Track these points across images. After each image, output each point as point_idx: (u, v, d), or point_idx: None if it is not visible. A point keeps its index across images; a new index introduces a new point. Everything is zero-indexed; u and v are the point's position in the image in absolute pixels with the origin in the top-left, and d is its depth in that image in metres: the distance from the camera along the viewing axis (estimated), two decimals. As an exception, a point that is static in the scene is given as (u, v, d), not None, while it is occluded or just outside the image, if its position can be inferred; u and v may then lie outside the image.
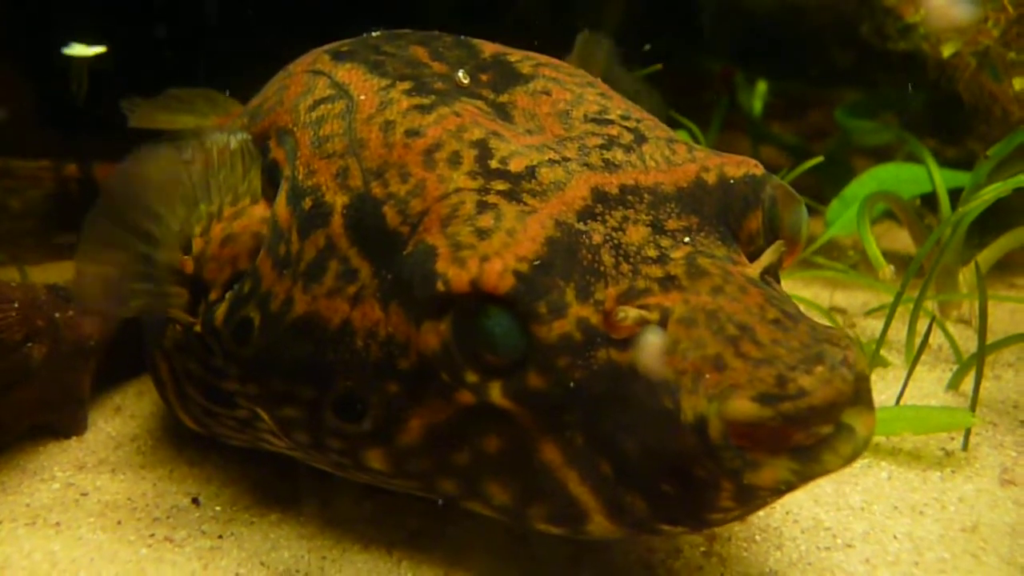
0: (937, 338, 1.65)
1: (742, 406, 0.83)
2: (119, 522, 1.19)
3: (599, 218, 0.95)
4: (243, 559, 1.13)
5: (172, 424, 1.46)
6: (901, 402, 1.44)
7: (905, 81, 2.48)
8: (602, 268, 0.92)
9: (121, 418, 1.52)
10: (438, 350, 0.93)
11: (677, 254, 0.94)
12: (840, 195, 1.94)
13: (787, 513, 1.21)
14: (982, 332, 1.35)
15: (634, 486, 0.90)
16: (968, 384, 1.48)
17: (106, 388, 1.59)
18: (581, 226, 0.94)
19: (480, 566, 1.11)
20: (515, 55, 1.22)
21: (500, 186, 0.97)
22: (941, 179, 1.85)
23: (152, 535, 1.17)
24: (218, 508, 1.25)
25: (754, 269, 0.97)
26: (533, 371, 0.91)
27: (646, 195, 0.99)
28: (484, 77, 1.15)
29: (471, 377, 0.93)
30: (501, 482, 0.97)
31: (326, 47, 1.29)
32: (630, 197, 0.98)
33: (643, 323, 0.89)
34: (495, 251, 0.90)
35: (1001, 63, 2.14)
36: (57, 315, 1.37)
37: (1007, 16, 2.15)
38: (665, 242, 0.95)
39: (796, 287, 2.02)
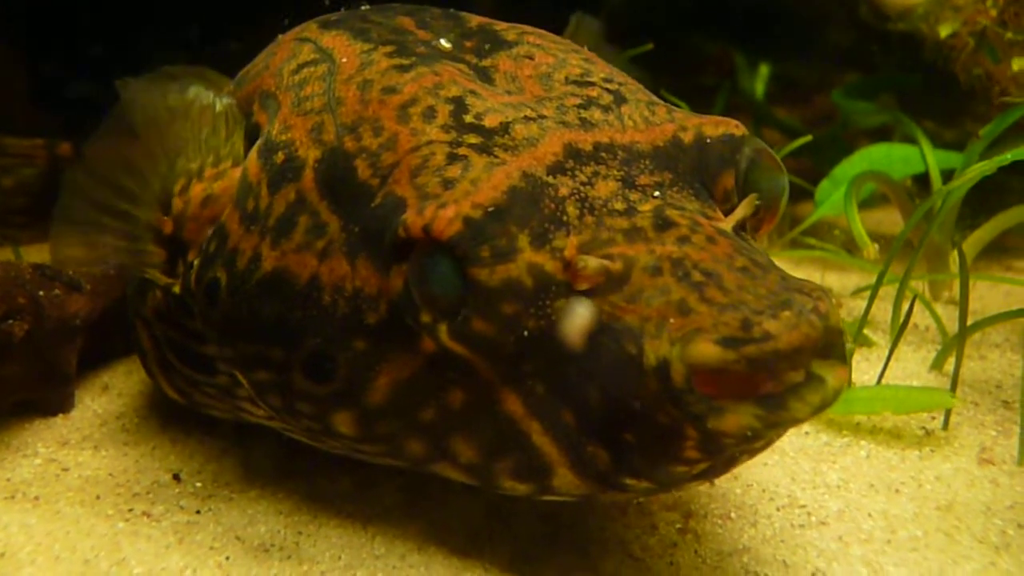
0: (925, 318, 1.65)
1: (705, 349, 0.82)
2: (98, 497, 1.20)
3: (569, 173, 0.96)
4: (219, 534, 1.14)
5: (158, 402, 1.47)
6: (883, 381, 1.43)
7: (904, 62, 2.47)
8: (565, 218, 0.92)
9: (108, 396, 1.53)
10: (401, 291, 0.94)
11: (645, 207, 0.94)
12: (830, 175, 1.93)
13: (763, 491, 1.21)
14: (963, 312, 1.34)
15: (597, 436, 0.90)
16: (951, 364, 1.47)
17: (95, 366, 1.60)
18: (549, 179, 0.95)
19: (454, 543, 1.12)
20: (502, 25, 1.22)
21: (472, 140, 0.98)
22: (934, 159, 1.84)
23: (131, 510, 1.18)
24: (199, 484, 1.26)
25: (727, 223, 0.96)
26: (475, 315, 0.91)
27: (620, 152, 0.99)
28: (468, 44, 1.16)
29: (425, 317, 0.93)
30: (466, 437, 0.97)
31: (318, 18, 1.30)
32: (603, 154, 0.99)
33: (605, 272, 0.89)
34: (454, 199, 0.91)
35: (999, 43, 2.12)
36: (42, 293, 1.38)
37: (1005, -4, 2.13)
38: (634, 196, 0.95)
39: (786, 267, 2.01)
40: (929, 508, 1.15)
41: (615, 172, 0.97)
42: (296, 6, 1.42)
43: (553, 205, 0.92)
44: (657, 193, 0.96)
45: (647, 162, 0.99)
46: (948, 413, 1.32)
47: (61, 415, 1.44)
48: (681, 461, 0.88)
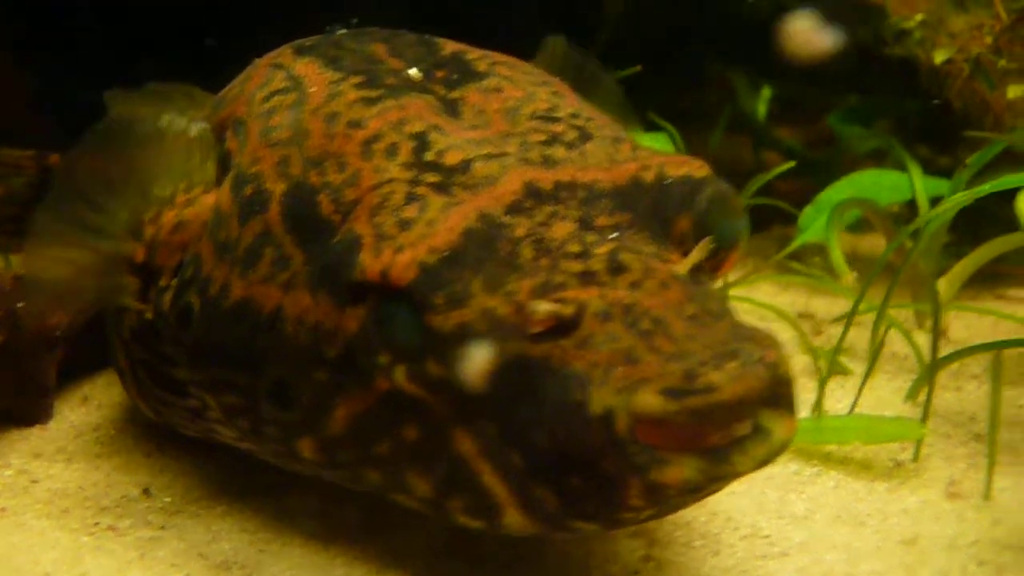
0: (906, 347, 1.64)
1: (648, 399, 0.83)
2: (65, 510, 1.22)
3: (527, 213, 0.96)
4: (181, 550, 1.14)
5: (135, 415, 1.48)
6: (858, 410, 1.43)
7: (901, 87, 2.46)
8: (519, 261, 0.93)
9: (87, 408, 1.54)
10: (357, 333, 0.95)
11: (600, 250, 0.94)
12: (815, 200, 1.93)
13: (728, 519, 1.21)
14: (934, 343, 1.34)
15: (544, 479, 0.90)
16: (926, 394, 1.47)
17: (76, 377, 1.61)
18: (507, 219, 0.95)
19: (415, 565, 1.12)
20: (474, 53, 1.23)
21: (432, 178, 0.99)
22: (922, 186, 1.83)
23: (96, 524, 1.19)
24: (168, 499, 1.27)
25: (682, 267, 0.97)
26: (431, 359, 0.92)
27: (580, 191, 0.99)
28: (440, 74, 1.16)
29: (383, 359, 0.94)
30: (420, 473, 0.98)
31: (293, 42, 1.31)
32: (563, 193, 0.99)
33: (556, 317, 0.89)
34: (410, 242, 0.92)
35: (993, 71, 2.12)
36: (20, 304, 1.39)
37: (1000, 23, 2.13)
38: (590, 238, 0.95)
39: (772, 292, 2.01)
40: (893, 542, 1.14)
41: (573, 212, 0.97)
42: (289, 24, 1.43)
43: (508, 247, 0.93)
44: (614, 235, 0.96)
45: (607, 202, 0.99)
46: (919, 445, 1.32)
47: (38, 426, 1.46)
48: (627, 508, 0.89)
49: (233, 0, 2.14)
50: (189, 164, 1.19)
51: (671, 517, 1.21)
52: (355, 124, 1.06)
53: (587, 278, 0.91)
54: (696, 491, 0.88)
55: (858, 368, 1.60)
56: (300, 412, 1.03)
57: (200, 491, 1.29)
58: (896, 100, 2.43)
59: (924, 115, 2.38)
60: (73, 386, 1.60)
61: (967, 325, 1.87)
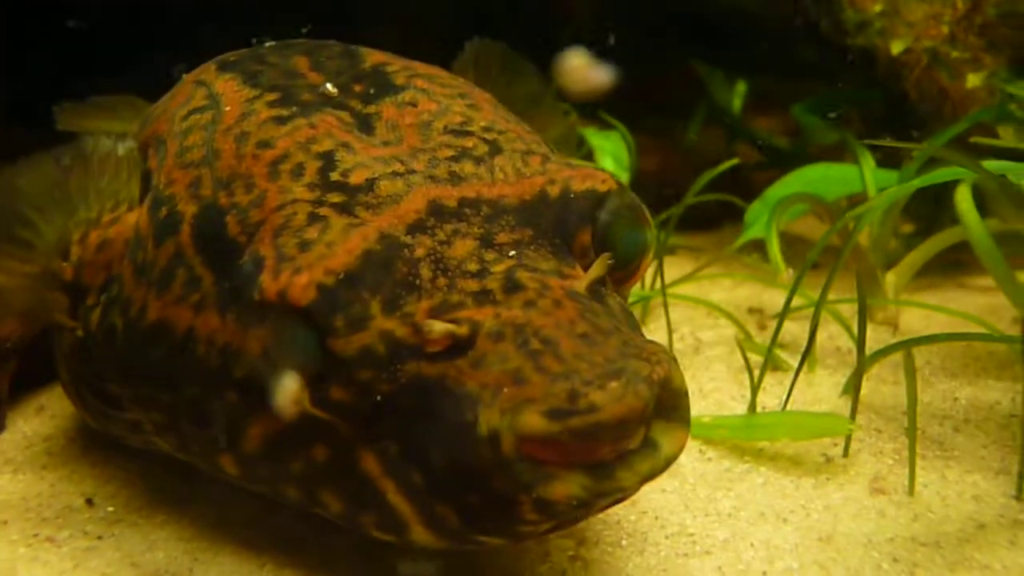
0: (851, 342, 1.65)
1: (531, 420, 0.85)
2: (5, 522, 1.24)
3: (429, 232, 0.98)
4: (115, 560, 1.17)
5: (86, 425, 1.50)
6: (796, 406, 1.44)
7: (862, 78, 2.46)
8: (417, 282, 0.94)
9: (40, 418, 1.56)
10: (259, 356, 0.97)
11: (498, 268, 0.96)
12: (762, 196, 1.94)
13: (656, 518, 1.23)
14: (860, 340, 1.35)
15: (443, 497, 0.93)
16: (864, 389, 1.48)
17: (34, 388, 1.64)
18: (408, 239, 0.97)
19: (344, 569, 1.14)
20: (395, 65, 1.24)
21: (335, 199, 1.00)
22: (872, 178, 1.84)
23: (35, 535, 1.22)
24: (110, 509, 1.29)
25: (580, 283, 0.98)
26: (335, 384, 0.94)
27: (484, 208, 1.01)
28: (358, 88, 1.18)
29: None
30: (332, 491, 1.01)
31: (219, 57, 1.32)
32: (467, 210, 1.00)
33: (451, 337, 0.91)
34: (308, 264, 0.93)
35: (947, 61, 2.12)
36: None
37: (954, 12, 2.13)
38: (489, 256, 0.97)
39: (730, 286, 2.02)
40: (811, 539, 1.16)
41: (475, 230, 0.98)
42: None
43: (406, 269, 0.94)
44: (513, 252, 0.98)
45: (510, 218, 1.01)
46: (848, 440, 1.33)
47: (-10, 436, 1.49)
48: (524, 523, 0.92)
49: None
50: (115, 184, 1.21)
51: (602, 516, 1.24)
52: (264, 144, 1.07)
53: (483, 297, 0.93)
54: (586, 506, 0.90)
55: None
56: (216, 430, 1.05)
57: (142, 500, 1.31)
58: (858, 91, 2.43)
59: (886, 106, 2.38)
60: (30, 396, 1.62)
61: (925, 315, 1.88)
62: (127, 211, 1.19)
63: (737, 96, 2.89)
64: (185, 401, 1.07)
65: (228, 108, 1.14)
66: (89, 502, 1.30)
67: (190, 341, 1.04)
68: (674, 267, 2.05)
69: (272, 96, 1.14)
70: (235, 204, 1.04)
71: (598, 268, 1.00)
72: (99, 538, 1.21)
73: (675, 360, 0.95)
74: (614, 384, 0.86)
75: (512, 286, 0.94)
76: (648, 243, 1.07)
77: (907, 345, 1.30)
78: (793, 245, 2.26)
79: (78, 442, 1.47)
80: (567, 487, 0.87)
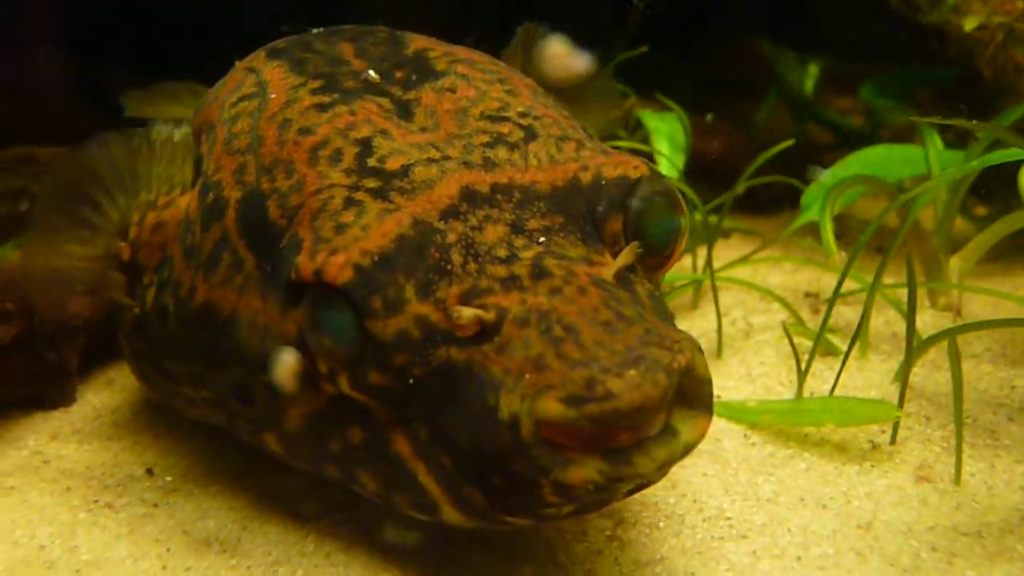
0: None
1: (550, 406, 0.87)
2: (68, 488, 1.30)
3: (461, 217, 0.99)
4: (168, 527, 1.22)
5: (151, 398, 1.57)
6: (847, 392, 1.42)
7: (936, 55, 2.39)
8: (449, 267, 0.96)
9: (110, 391, 1.64)
10: (296, 338, 1.00)
11: (526, 254, 0.97)
12: (819, 179, 1.89)
13: (694, 501, 1.23)
14: (910, 324, 1.32)
15: (470, 479, 0.95)
16: (917, 375, 1.45)
17: (104, 362, 1.71)
18: (440, 224, 0.98)
19: (384, 543, 1.17)
20: (437, 51, 1.25)
21: (371, 184, 1.02)
22: (936, 159, 1.79)
23: (96, 501, 1.28)
24: (168, 479, 1.35)
25: (608, 271, 0.99)
26: (372, 368, 0.96)
27: (516, 194, 1.02)
28: (399, 74, 1.20)
29: (322, 367, 0.99)
30: (368, 471, 1.04)
31: (269, 44, 1.36)
32: (499, 196, 1.02)
33: (480, 322, 0.93)
34: (344, 245, 0.96)
35: (1022, 37, 2.04)
36: (40, 297, 1.49)
37: (1032, -13, 2.05)
38: (519, 242, 0.98)
39: (790, 269, 1.99)
40: (850, 526, 1.15)
41: (506, 216, 1.00)
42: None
43: (438, 254, 0.96)
44: (542, 239, 0.99)
45: (542, 204, 1.01)
46: (896, 427, 1.31)
47: (61, 409, 1.56)
48: (545, 504, 0.93)
49: None
50: (171, 168, 1.26)
51: (639, 498, 1.25)
52: (305, 131, 1.10)
53: (510, 283, 0.94)
54: (604, 490, 0.91)
55: (856, 348, 1.59)
56: (259, 409, 1.09)
57: (199, 471, 1.37)
58: (930, 69, 2.36)
59: (959, 85, 2.31)
60: (100, 370, 1.70)
61: (993, 302, 1.82)
62: (180, 194, 1.24)
63: (810, 78, 2.83)
64: (231, 380, 1.11)
65: (273, 95, 1.17)
66: (149, 472, 1.36)
67: (234, 323, 1.08)
68: (732, 250, 2.03)
69: (316, 84, 1.17)
70: (276, 189, 1.07)
71: (626, 256, 1.00)
72: (155, 506, 1.27)
73: (699, 348, 0.95)
74: (632, 372, 0.86)
75: (539, 272, 0.95)
76: (682, 230, 1.06)
77: (955, 332, 1.27)
78: (859, 228, 2.21)
79: (143, 415, 1.54)
80: (584, 471, 0.88)
